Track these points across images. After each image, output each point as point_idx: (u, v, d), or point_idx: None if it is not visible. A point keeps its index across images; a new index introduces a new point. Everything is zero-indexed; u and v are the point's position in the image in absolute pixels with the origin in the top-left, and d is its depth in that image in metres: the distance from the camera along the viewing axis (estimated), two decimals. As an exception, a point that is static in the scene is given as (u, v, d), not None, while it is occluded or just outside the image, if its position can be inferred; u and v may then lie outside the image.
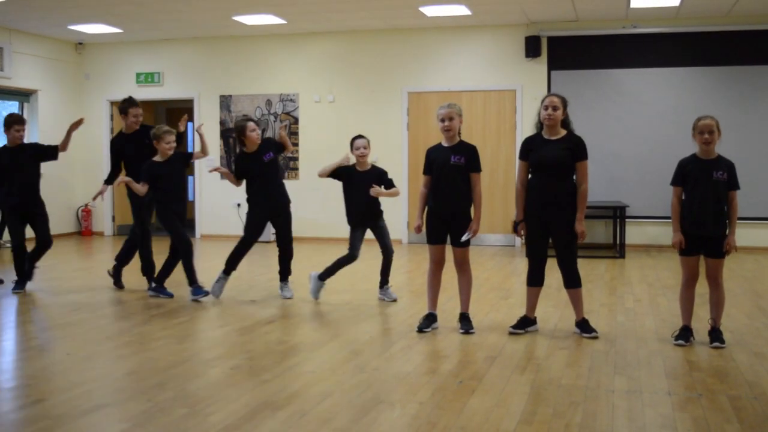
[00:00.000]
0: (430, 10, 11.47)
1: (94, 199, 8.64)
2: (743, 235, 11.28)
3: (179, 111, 15.92)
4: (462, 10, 11.43)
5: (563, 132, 6.04)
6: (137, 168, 7.65)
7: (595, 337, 5.97)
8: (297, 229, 8.30)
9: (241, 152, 7.70)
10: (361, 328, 6.47)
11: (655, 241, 11.83)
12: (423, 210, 6.31)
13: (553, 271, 6.29)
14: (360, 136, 7.39)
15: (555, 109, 5.93)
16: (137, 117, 8.11)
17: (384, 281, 7.58)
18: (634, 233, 11.96)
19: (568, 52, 12.31)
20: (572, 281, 6.10)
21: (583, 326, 6.08)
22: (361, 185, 7.29)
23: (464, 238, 6.10)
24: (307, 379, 4.87)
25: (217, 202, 13.68)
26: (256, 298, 7.79)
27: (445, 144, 6.17)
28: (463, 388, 4.69)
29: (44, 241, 8.06)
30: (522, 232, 6.11)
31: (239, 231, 13.36)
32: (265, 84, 13.55)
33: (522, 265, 10.27)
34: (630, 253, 11.29)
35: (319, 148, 12.97)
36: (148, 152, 7.73)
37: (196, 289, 7.55)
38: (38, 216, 8.06)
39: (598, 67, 12.20)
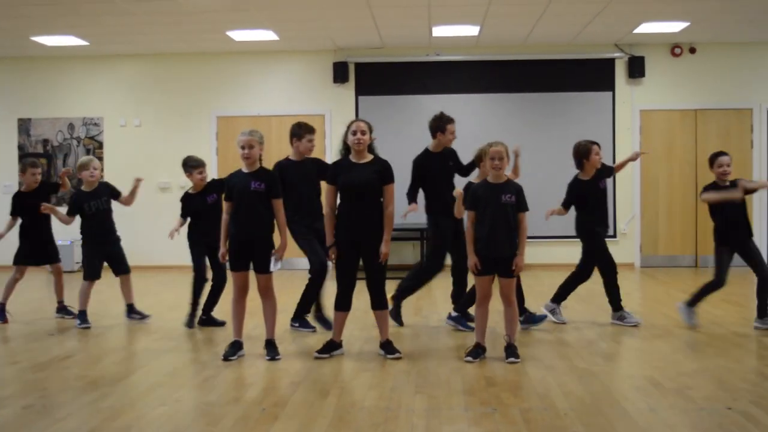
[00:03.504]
0: (237, 35, 11.44)
1: (405, 216, 7.76)
2: (540, 253, 11.96)
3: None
4: (269, 35, 11.48)
5: (370, 156, 6.20)
6: (440, 188, 7.37)
7: (399, 358, 6.12)
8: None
9: (575, 178, 7.40)
10: (166, 358, 6.34)
11: (461, 260, 12.24)
12: (227, 236, 6.26)
13: (359, 294, 6.39)
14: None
15: (363, 133, 6.09)
16: (453, 134, 7.57)
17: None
18: (441, 254, 12.32)
19: (374, 77, 12.63)
20: (379, 303, 6.24)
21: (387, 347, 6.22)
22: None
23: (273, 268, 6.10)
24: (105, 415, 4.72)
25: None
26: (54, 331, 7.47)
27: (245, 170, 6.17)
28: (266, 415, 4.69)
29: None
30: (333, 256, 6.17)
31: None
32: (67, 107, 13.01)
33: (332, 288, 10.33)
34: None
35: (124, 174, 12.50)
36: (447, 174, 7.51)
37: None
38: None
39: (404, 93, 12.59)
